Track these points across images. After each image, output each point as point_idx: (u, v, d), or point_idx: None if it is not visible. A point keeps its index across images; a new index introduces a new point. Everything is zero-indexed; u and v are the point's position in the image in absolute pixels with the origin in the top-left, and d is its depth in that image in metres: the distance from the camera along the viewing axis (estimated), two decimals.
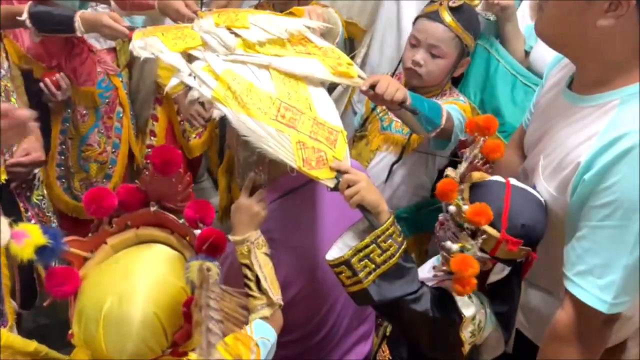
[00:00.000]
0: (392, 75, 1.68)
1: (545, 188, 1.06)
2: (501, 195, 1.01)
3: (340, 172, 1.01)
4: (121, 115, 1.90)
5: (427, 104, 1.36)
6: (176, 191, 0.78)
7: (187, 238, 0.76)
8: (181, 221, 0.80)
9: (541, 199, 1.05)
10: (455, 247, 0.99)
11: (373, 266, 0.96)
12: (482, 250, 0.99)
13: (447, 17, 1.49)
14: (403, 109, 1.26)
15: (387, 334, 1.27)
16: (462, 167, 1.05)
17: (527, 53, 1.71)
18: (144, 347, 0.70)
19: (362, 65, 1.99)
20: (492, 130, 1.05)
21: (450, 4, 1.49)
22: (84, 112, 1.84)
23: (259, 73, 1.05)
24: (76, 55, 1.72)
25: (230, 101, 0.97)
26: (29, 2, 1.44)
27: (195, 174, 2.39)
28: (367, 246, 0.97)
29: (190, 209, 0.75)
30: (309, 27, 1.21)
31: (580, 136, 0.99)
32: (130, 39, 1.06)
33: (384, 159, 1.66)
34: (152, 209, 0.76)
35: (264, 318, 0.96)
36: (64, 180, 1.92)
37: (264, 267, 0.98)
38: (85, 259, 0.73)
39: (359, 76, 1.21)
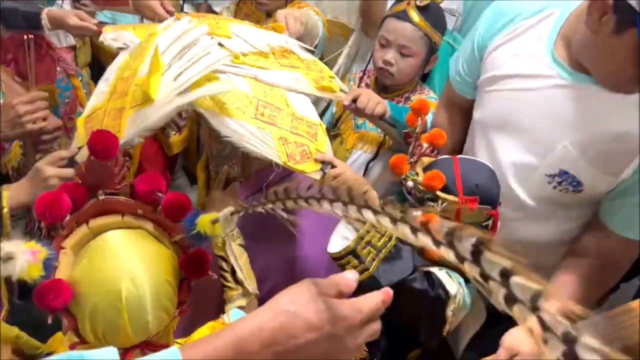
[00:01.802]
0: (363, 73, 1.71)
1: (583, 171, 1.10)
2: (450, 165, 1.09)
3: (325, 163, 1.05)
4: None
5: (405, 113, 1.40)
6: (114, 174, 0.78)
7: (140, 212, 0.76)
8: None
9: (489, 165, 1.14)
10: (418, 212, 1.03)
11: (375, 252, 1.01)
12: (447, 219, 1.03)
13: (415, 16, 1.52)
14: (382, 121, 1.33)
15: None
16: (412, 145, 1.14)
17: None
18: (163, 314, 0.73)
19: (350, 66, 2.03)
20: (426, 110, 1.18)
21: (418, 3, 1.51)
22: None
23: (235, 76, 1.05)
24: (34, 52, 1.69)
25: (209, 103, 0.97)
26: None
27: (171, 171, 2.38)
28: (367, 232, 1.01)
29: (142, 183, 0.75)
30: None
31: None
32: (99, 35, 1.06)
33: (359, 158, 1.67)
34: (101, 197, 0.75)
35: (241, 307, 0.98)
36: None
37: (239, 258, 1.00)
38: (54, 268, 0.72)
39: (341, 89, 1.28)
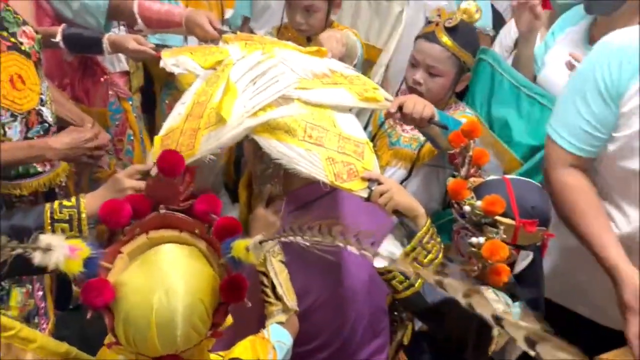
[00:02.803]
0: (397, 92, 1.79)
1: None
2: (504, 188, 1.12)
3: (371, 181, 1.10)
4: (132, 138, 2.00)
5: (451, 119, 1.44)
6: (178, 192, 0.86)
7: (197, 231, 0.83)
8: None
9: (538, 184, 1.17)
10: (481, 239, 1.08)
11: (421, 268, 1.06)
12: (504, 243, 1.08)
13: (444, 37, 1.58)
14: (432, 125, 1.34)
15: (405, 343, 1.34)
16: (464, 169, 1.16)
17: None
18: (193, 332, 0.77)
19: (384, 85, 2.12)
20: (477, 132, 1.18)
21: (446, 24, 1.57)
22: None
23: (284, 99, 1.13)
24: (89, 76, 1.84)
25: (260, 127, 1.07)
26: (63, 25, 1.57)
27: (215, 188, 2.49)
28: (413, 249, 1.06)
29: (201, 203, 0.83)
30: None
31: None
32: (157, 59, 1.18)
33: (394, 174, 1.72)
34: (162, 211, 0.83)
35: (280, 323, 1.03)
36: None
37: (279, 274, 1.06)
38: (107, 270, 0.81)
39: (386, 99, 1.31)
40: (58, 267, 0.74)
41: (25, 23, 1.39)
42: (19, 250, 0.72)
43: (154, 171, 1.04)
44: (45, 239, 0.74)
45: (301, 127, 1.09)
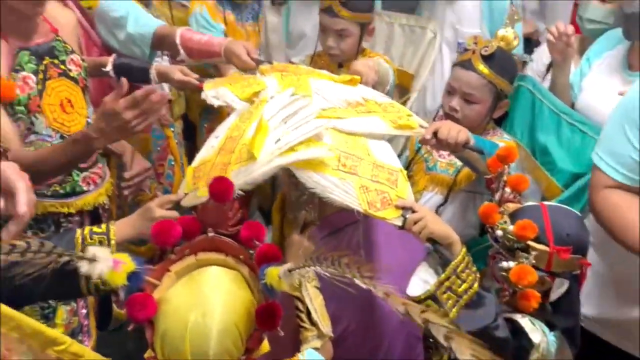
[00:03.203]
0: (434, 118, 1.81)
1: None
2: (539, 214, 1.12)
3: (405, 209, 1.12)
4: (172, 163, 2.09)
5: (488, 143, 1.46)
6: (228, 217, 0.91)
7: (241, 257, 0.87)
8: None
9: (576, 212, 1.17)
10: (511, 263, 1.08)
11: (455, 297, 1.06)
12: (538, 269, 1.07)
13: (480, 65, 1.60)
14: (468, 150, 1.35)
15: None
16: (498, 194, 1.18)
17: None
18: (225, 355, 0.81)
19: (417, 111, 2.15)
20: (512, 157, 1.21)
21: (483, 52, 1.59)
22: None
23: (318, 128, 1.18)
24: None
25: None
26: (114, 55, 1.68)
27: (248, 211, 2.55)
28: (448, 278, 1.06)
29: (245, 229, 0.88)
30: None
31: None
32: (199, 90, 1.25)
33: (430, 200, 1.75)
34: (210, 234, 0.89)
35: (315, 348, 1.05)
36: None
37: (314, 299, 1.08)
38: (154, 286, 0.86)
39: (420, 125, 1.33)
40: (101, 278, 0.80)
41: (73, 52, 1.50)
42: (66, 258, 0.78)
43: (185, 201, 1.10)
44: (92, 250, 0.79)
45: (335, 157, 1.12)
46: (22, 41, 1.35)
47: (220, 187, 0.88)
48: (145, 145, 2.02)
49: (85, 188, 1.53)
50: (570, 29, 1.69)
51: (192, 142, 2.36)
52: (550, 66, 1.91)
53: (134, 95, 1.16)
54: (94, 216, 1.61)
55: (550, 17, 2.35)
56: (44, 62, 1.39)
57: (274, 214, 2.06)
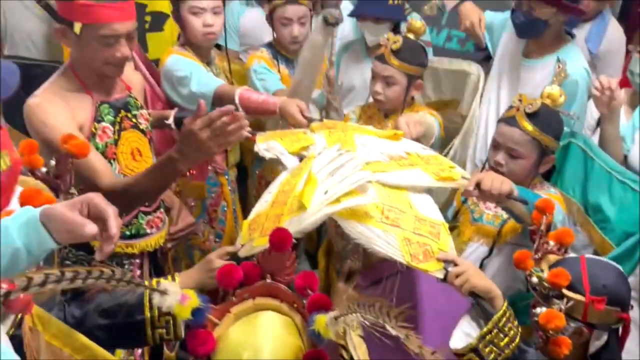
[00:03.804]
0: (482, 168, 1.87)
1: None
2: (578, 264, 1.18)
3: (447, 262, 1.19)
4: (225, 209, 2.25)
5: (532, 194, 1.52)
6: (285, 266, 1.01)
7: (295, 305, 0.97)
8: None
9: (618, 266, 1.20)
10: (543, 309, 1.13)
11: (497, 351, 1.12)
12: (574, 319, 1.12)
13: (524, 122, 1.66)
14: (512, 201, 1.41)
15: None
16: (536, 242, 1.25)
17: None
18: None
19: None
20: (550, 209, 1.28)
21: (527, 109, 1.66)
22: (192, 203, 2.20)
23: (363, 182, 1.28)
24: None
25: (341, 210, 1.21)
26: (175, 109, 1.88)
27: (296, 254, 2.65)
28: (490, 332, 1.12)
29: (300, 279, 0.98)
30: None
31: None
32: (251, 141, 1.38)
33: (476, 251, 1.80)
34: (268, 281, 0.99)
35: None
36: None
37: (358, 348, 1.15)
38: (214, 324, 0.96)
39: (463, 177, 1.41)
40: (170, 310, 0.90)
41: (142, 107, 1.71)
42: (142, 288, 0.89)
43: (243, 252, 1.21)
44: (164, 284, 0.91)
45: (379, 209, 1.21)
46: (103, 96, 1.57)
47: (279, 237, 0.99)
48: (200, 192, 2.19)
49: (148, 231, 1.70)
50: (614, 82, 1.76)
51: (244, 187, 2.51)
52: (600, 120, 1.96)
53: (209, 114, 1.26)
54: (153, 257, 1.76)
55: (601, 70, 2.39)
56: (120, 115, 1.60)
57: (320, 257, 2.17)
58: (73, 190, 1.22)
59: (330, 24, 1.76)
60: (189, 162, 1.35)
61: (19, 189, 1.05)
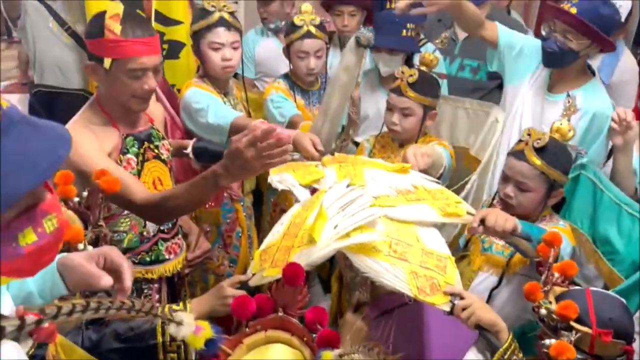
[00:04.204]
0: (491, 202, 1.92)
1: None
2: (584, 297, 1.23)
3: (454, 295, 1.24)
4: (240, 235, 2.33)
5: (536, 229, 1.56)
6: (297, 300, 1.06)
7: (305, 339, 1.02)
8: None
9: (622, 299, 1.26)
10: (553, 341, 1.18)
11: None
12: (582, 351, 1.18)
13: (532, 156, 1.71)
14: (516, 237, 1.47)
15: None
16: (544, 275, 1.29)
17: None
18: None
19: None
20: (558, 242, 1.33)
21: (535, 144, 1.70)
22: (208, 229, 2.28)
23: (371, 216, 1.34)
24: None
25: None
26: (194, 139, 1.97)
27: (308, 278, 2.71)
28: None
29: (311, 313, 1.03)
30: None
31: None
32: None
33: (485, 280, 1.84)
34: (280, 314, 1.05)
35: None
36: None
37: None
38: (227, 354, 1.02)
39: (468, 212, 1.47)
40: (184, 339, 0.97)
41: (164, 138, 1.81)
42: (159, 319, 0.96)
43: (253, 282, 1.27)
44: (179, 314, 0.98)
45: (387, 243, 1.27)
46: (128, 129, 1.67)
47: (292, 271, 1.05)
48: (215, 218, 2.27)
49: (167, 256, 1.79)
50: (630, 114, 1.79)
51: (260, 212, 2.59)
52: (611, 151, 2.00)
53: (254, 133, 1.29)
54: (170, 281, 1.84)
55: (614, 101, 2.43)
56: (144, 146, 1.70)
57: (333, 281, 2.23)
58: (101, 223, 1.31)
59: (362, 45, 1.84)
60: (232, 179, 1.39)
61: None
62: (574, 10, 1.90)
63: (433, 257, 1.29)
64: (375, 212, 1.30)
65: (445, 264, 1.29)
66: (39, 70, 2.97)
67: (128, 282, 0.94)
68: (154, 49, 1.58)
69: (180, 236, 1.87)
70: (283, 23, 2.90)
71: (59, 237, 0.81)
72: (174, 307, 1.30)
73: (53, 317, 0.76)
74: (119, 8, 1.51)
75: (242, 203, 2.31)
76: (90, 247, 1.18)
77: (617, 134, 1.82)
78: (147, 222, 1.73)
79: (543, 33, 2.02)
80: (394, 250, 1.26)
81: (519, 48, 2.18)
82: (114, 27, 1.48)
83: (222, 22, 2.04)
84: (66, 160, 1.49)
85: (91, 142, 1.55)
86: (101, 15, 1.53)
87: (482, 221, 1.45)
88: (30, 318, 0.73)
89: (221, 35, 2.04)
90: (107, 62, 1.51)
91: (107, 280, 0.91)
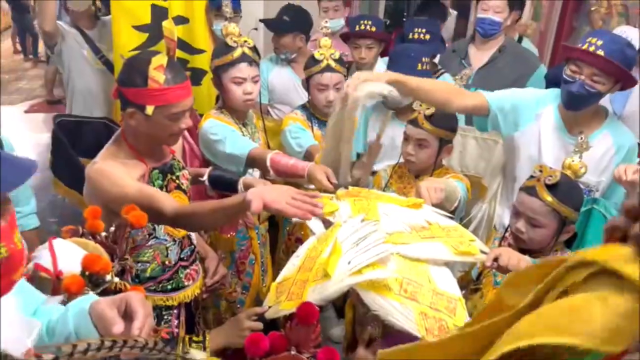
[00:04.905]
0: (502, 236, 1.96)
1: None
2: None
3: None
4: (253, 262, 2.39)
5: None
6: (310, 339, 1.11)
7: None
8: None
9: None
10: None
11: None
12: None
13: (544, 193, 1.74)
14: None
15: None
16: None
17: None
18: None
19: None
20: None
21: (547, 181, 1.74)
22: (222, 255, 2.34)
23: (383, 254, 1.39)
24: None
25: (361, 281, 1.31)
26: (210, 167, 2.06)
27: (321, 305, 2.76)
28: None
29: (322, 353, 1.07)
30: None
31: None
32: None
33: None
34: (292, 352, 1.09)
35: None
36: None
37: None
38: None
39: (482, 251, 1.49)
40: None
41: (184, 168, 1.89)
42: (172, 357, 1.00)
43: (269, 314, 1.32)
44: (193, 353, 1.02)
45: (398, 282, 1.31)
46: (154, 163, 1.76)
47: (306, 311, 1.10)
48: (230, 245, 2.33)
49: (186, 283, 1.87)
50: (631, 170, 1.83)
51: (275, 240, 2.65)
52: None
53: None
54: (187, 306, 1.90)
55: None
56: (167, 178, 1.78)
57: (347, 308, 2.26)
58: (127, 256, 1.37)
59: (389, 107, 1.87)
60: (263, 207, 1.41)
61: (80, 252, 1.21)
62: (601, 53, 1.91)
63: (443, 299, 1.31)
64: (388, 248, 1.33)
65: (455, 306, 1.31)
66: (69, 95, 3.10)
67: (136, 331, 0.98)
68: (190, 90, 1.67)
69: (198, 262, 1.94)
70: (294, 55, 3.04)
71: (10, 265, 0.88)
72: (194, 338, 1.34)
73: (69, 355, 0.80)
74: (163, 59, 1.57)
75: (256, 231, 2.38)
76: (116, 279, 1.25)
77: (624, 182, 1.84)
78: (169, 252, 1.81)
79: (565, 77, 2.02)
80: (405, 290, 1.29)
81: (510, 105, 2.19)
82: (159, 77, 1.55)
83: (244, 57, 2.12)
84: (104, 192, 1.61)
85: (121, 169, 1.63)
86: (140, 64, 1.58)
87: (495, 259, 1.48)
88: (48, 357, 0.78)
89: (243, 70, 2.13)
90: (149, 109, 1.58)
91: (118, 328, 0.96)
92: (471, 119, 2.66)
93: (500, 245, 2.01)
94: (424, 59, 2.38)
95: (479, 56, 2.95)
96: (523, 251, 1.83)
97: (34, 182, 2.28)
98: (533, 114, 2.18)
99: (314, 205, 1.38)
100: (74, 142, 2.46)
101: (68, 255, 1.21)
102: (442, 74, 2.84)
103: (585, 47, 1.95)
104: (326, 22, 2.47)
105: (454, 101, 2.06)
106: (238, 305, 2.41)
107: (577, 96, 1.99)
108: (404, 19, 5.02)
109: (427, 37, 2.72)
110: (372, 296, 1.28)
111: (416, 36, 2.74)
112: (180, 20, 2.72)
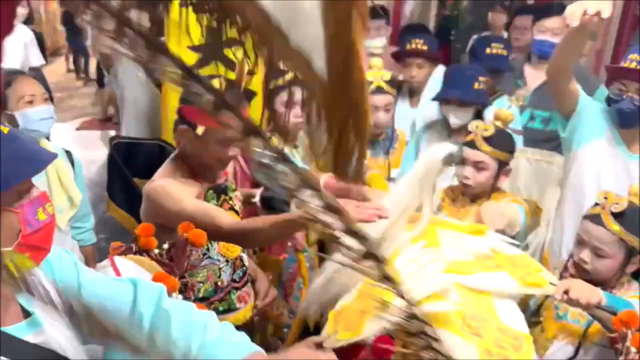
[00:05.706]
0: (565, 266, 1.88)
1: None
2: None
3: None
4: (301, 285, 2.37)
5: (622, 302, 1.52)
6: None
7: None
8: None
9: None
10: None
11: None
12: None
13: (610, 222, 1.68)
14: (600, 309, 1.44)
15: None
16: (622, 357, 1.27)
17: None
18: None
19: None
20: (635, 323, 1.29)
21: (613, 209, 1.68)
22: (270, 277, 2.34)
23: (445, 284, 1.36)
24: None
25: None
26: (262, 188, 2.08)
27: None
28: None
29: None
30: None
31: None
32: None
33: (560, 350, 1.78)
34: None
35: None
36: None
37: None
38: None
39: (550, 282, 1.45)
40: None
41: (236, 189, 1.90)
42: None
43: (328, 343, 1.29)
44: None
45: (460, 316, 1.27)
46: (209, 183, 1.79)
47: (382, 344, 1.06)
48: (277, 267, 2.33)
49: (238, 305, 1.88)
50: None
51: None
52: None
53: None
54: (237, 329, 1.89)
55: None
56: (221, 199, 1.81)
57: None
58: (185, 274, 1.39)
59: (447, 163, 1.84)
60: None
61: (138, 269, 1.24)
62: None
63: (509, 335, 1.27)
64: (448, 279, 1.30)
65: (521, 342, 1.26)
66: (124, 116, 3.22)
67: None
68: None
69: (249, 284, 1.94)
70: None
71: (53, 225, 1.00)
72: None
73: None
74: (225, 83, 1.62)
75: (305, 253, 2.37)
76: (180, 296, 1.26)
77: None
78: (221, 273, 1.82)
79: (613, 96, 2.04)
80: (468, 325, 1.25)
81: (590, 110, 2.17)
82: None
83: (296, 81, 2.13)
84: (158, 204, 1.64)
85: (179, 186, 1.67)
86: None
87: (566, 292, 1.43)
88: None
89: (295, 93, 2.13)
90: (200, 129, 1.63)
91: None
92: (528, 140, 2.60)
93: (561, 276, 1.93)
94: (480, 78, 2.35)
95: (535, 76, 2.89)
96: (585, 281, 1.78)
97: None
98: (601, 129, 2.16)
99: (377, 209, 1.38)
100: (129, 163, 2.54)
101: (128, 272, 1.24)
102: (500, 95, 2.79)
103: (626, 64, 1.99)
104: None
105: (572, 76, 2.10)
106: (285, 329, 2.39)
107: (629, 112, 2.00)
108: (451, 36, 4.98)
109: (505, 52, 2.77)
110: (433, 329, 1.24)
111: (494, 51, 2.77)
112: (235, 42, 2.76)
